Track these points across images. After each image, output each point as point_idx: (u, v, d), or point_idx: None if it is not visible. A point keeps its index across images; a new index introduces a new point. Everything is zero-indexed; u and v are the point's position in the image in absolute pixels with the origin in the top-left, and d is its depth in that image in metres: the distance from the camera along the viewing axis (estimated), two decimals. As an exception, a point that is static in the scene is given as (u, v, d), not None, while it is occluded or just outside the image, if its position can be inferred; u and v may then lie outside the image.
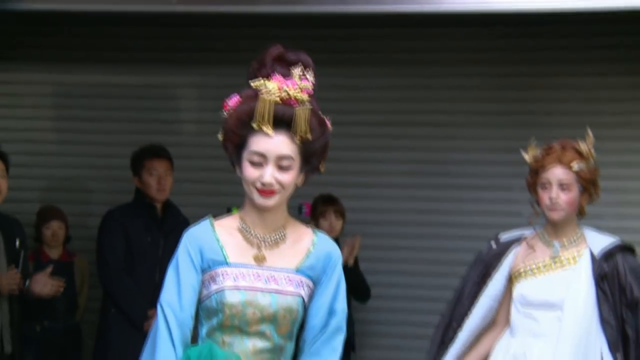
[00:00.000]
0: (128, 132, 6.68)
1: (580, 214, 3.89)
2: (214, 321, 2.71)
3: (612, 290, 3.77)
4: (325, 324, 2.77)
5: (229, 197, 6.38)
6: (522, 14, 5.70)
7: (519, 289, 3.84)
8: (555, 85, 6.39)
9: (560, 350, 3.74)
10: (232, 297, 2.68)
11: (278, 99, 2.66)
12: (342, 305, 2.79)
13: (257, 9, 5.72)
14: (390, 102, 6.57)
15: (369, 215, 6.37)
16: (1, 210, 4.97)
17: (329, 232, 5.87)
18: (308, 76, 2.71)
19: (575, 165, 3.78)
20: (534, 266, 3.85)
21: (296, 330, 2.78)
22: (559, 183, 3.78)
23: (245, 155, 2.69)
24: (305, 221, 5.97)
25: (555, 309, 3.78)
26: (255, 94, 2.70)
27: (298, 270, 2.75)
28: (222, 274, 2.70)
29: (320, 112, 2.76)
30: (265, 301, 2.69)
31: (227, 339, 2.72)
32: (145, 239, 5.38)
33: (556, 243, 3.85)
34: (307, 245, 2.78)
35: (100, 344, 5.51)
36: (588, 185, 3.82)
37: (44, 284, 4.95)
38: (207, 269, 2.71)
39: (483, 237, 6.15)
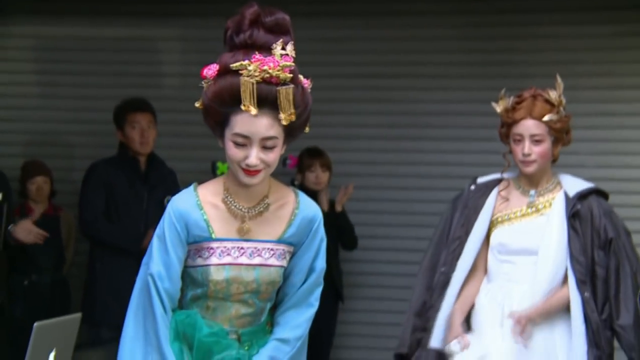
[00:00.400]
0: (111, 86, 6.67)
1: (553, 161, 3.93)
2: (199, 291, 2.77)
3: (584, 229, 3.82)
4: (305, 281, 2.84)
5: (213, 151, 6.38)
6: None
7: (496, 237, 3.89)
8: (534, 34, 6.39)
9: (535, 292, 3.81)
10: (217, 275, 2.72)
11: (260, 79, 2.59)
12: (321, 263, 2.84)
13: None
14: (370, 53, 6.57)
15: (351, 167, 6.40)
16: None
17: (315, 185, 5.93)
18: (289, 51, 2.65)
19: (547, 117, 3.81)
20: (511, 214, 3.90)
21: (275, 293, 2.85)
22: (531, 136, 3.82)
23: (229, 136, 2.64)
24: (290, 174, 6.06)
25: (533, 255, 3.86)
26: (228, 68, 2.63)
27: (280, 240, 2.79)
28: (208, 249, 2.72)
29: (301, 79, 2.71)
30: (249, 277, 2.74)
31: (212, 304, 2.78)
32: (128, 192, 5.42)
33: (532, 191, 3.90)
34: (290, 212, 2.80)
35: (87, 297, 5.55)
36: (560, 134, 3.86)
37: (28, 232, 4.97)
38: (193, 242, 2.73)
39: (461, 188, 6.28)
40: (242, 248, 2.73)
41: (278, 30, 2.69)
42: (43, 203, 6.01)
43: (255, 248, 2.75)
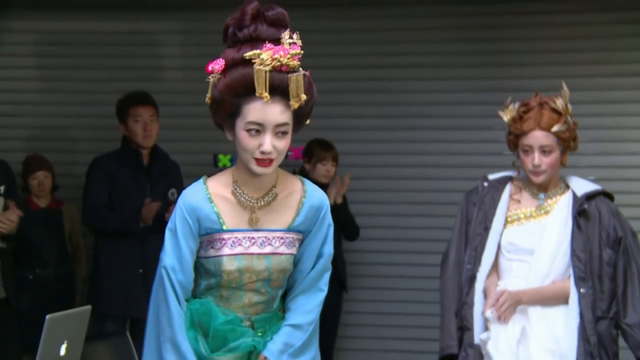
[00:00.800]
0: (113, 80, 6.69)
1: (562, 164, 3.98)
2: (212, 281, 2.84)
3: (591, 228, 3.88)
4: (313, 267, 2.91)
5: (215, 144, 6.48)
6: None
7: (506, 236, 3.95)
8: (529, 23, 6.42)
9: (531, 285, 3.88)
10: (230, 265, 2.79)
11: (271, 67, 2.67)
12: (329, 248, 2.92)
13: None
14: (365, 44, 6.60)
15: (354, 158, 6.43)
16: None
17: (325, 177, 5.98)
18: (296, 40, 2.73)
19: (555, 128, 3.85)
20: (520, 214, 3.96)
21: (286, 280, 2.93)
22: (540, 147, 3.87)
23: (242, 125, 2.71)
24: (290, 165, 6.09)
25: None
26: (244, 60, 2.70)
27: (290, 229, 2.86)
28: (220, 240, 2.79)
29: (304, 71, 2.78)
30: (260, 265, 2.81)
31: (225, 293, 2.85)
32: (131, 185, 5.45)
33: (542, 194, 3.96)
34: (297, 201, 2.87)
35: (92, 290, 5.60)
36: (568, 142, 3.91)
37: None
38: (205, 234, 2.80)
39: (466, 177, 6.33)
40: (252, 238, 2.80)
41: (279, 24, 2.77)
42: (45, 197, 6.04)
43: (266, 237, 2.82)
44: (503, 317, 3.81)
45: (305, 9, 6.40)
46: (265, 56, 2.66)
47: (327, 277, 2.93)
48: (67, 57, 6.84)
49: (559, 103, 3.89)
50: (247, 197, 2.80)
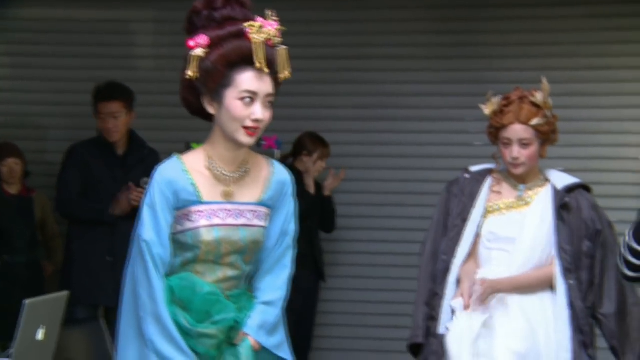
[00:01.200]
0: (86, 68, 6.67)
1: (541, 157, 4.03)
2: (189, 255, 2.88)
3: (573, 220, 3.94)
4: (278, 244, 3.00)
5: (188, 132, 6.44)
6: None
7: (487, 226, 4.00)
8: (503, 16, 6.48)
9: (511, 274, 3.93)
10: (208, 235, 2.85)
11: (264, 40, 2.80)
12: (293, 226, 3.03)
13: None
14: (341, 35, 6.62)
15: (331, 148, 6.43)
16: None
17: (317, 172, 6.06)
18: (275, 17, 2.85)
19: (534, 121, 3.91)
20: (501, 204, 4.01)
21: (257, 255, 2.99)
22: (519, 140, 3.92)
23: (234, 95, 2.81)
24: (266, 154, 6.11)
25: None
26: (236, 32, 2.80)
27: (260, 202, 2.94)
28: (196, 212, 2.85)
29: None
30: (236, 236, 2.89)
31: (200, 269, 2.90)
32: (105, 173, 5.45)
33: (521, 186, 4.01)
34: (266, 176, 2.97)
35: (64, 277, 5.59)
36: (547, 136, 3.96)
37: None
38: (181, 207, 2.85)
39: (438, 167, 6.39)
40: (228, 210, 2.88)
41: (246, 6, 2.91)
42: (16, 185, 6.01)
43: (239, 210, 2.90)
44: (478, 304, 3.86)
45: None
46: (257, 27, 2.78)
47: (291, 254, 3.03)
48: (40, 45, 6.81)
49: (539, 97, 3.94)
50: (222, 171, 2.88)
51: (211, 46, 2.80)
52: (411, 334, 4.03)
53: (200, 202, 2.84)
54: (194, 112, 2.95)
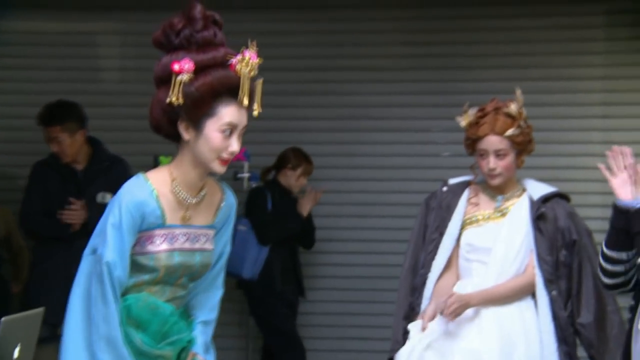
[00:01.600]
0: (50, 81, 6.61)
1: (518, 167, 4.06)
2: (146, 277, 2.86)
3: (549, 230, 3.97)
4: (215, 265, 3.02)
5: (155, 145, 6.34)
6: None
7: (465, 237, 4.03)
8: (472, 27, 6.53)
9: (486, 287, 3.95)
10: (169, 260, 2.85)
11: (249, 72, 2.79)
12: (229, 247, 3.06)
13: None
14: (311, 46, 6.63)
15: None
16: None
17: (298, 187, 6.10)
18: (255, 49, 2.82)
19: (509, 132, 3.94)
20: (479, 216, 4.04)
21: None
22: (495, 151, 3.96)
23: (216, 126, 2.79)
24: (233, 166, 6.10)
25: None
26: (220, 60, 2.78)
27: (211, 226, 2.96)
28: (159, 236, 2.83)
29: None
30: (193, 260, 2.90)
31: (154, 289, 2.89)
32: (62, 190, 5.37)
33: (499, 197, 4.04)
34: (218, 201, 2.98)
35: (25, 296, 5.53)
36: (522, 146, 3.99)
37: None
38: (144, 229, 2.83)
39: (405, 178, 6.41)
40: (186, 234, 2.88)
41: (221, 28, 2.89)
42: (-23, 199, 5.93)
43: (196, 233, 2.90)
44: (450, 319, 3.87)
45: (252, 11, 6.41)
46: (246, 61, 2.77)
47: (223, 275, 3.06)
48: (4, 57, 6.73)
49: (513, 108, 3.98)
50: (184, 196, 2.86)
51: (196, 72, 2.76)
52: (391, 347, 4.05)
53: (164, 226, 2.83)
54: (161, 133, 2.92)
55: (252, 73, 2.79)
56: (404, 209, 6.35)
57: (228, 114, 2.78)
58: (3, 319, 3.02)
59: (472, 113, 4.01)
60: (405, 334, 4.00)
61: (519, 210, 4.01)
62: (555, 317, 3.89)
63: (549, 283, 3.91)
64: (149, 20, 6.62)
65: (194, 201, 2.87)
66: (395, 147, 6.55)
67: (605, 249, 3.13)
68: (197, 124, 2.79)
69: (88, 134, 5.50)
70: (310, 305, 6.43)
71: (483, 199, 4.06)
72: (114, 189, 5.08)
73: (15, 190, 6.17)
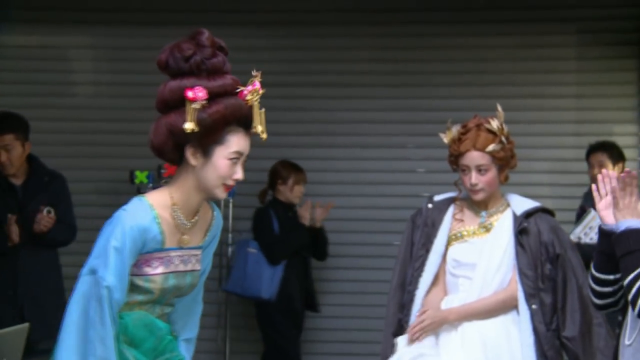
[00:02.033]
0: (23, 95, 6.58)
1: (502, 183, 4.10)
2: (140, 297, 2.87)
3: (532, 245, 3.99)
4: (198, 282, 3.05)
5: (131, 160, 6.43)
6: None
7: (451, 253, 4.06)
8: (442, 45, 6.61)
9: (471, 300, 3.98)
10: (165, 283, 2.87)
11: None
12: (210, 265, 3.10)
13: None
14: (281, 63, 6.65)
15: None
16: None
17: (297, 198, 6.11)
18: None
19: (490, 147, 3.98)
20: (464, 232, 4.07)
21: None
22: (477, 167, 3.99)
23: (225, 154, 2.82)
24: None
25: None
26: (230, 89, 2.82)
27: (201, 246, 2.98)
28: (157, 259, 2.85)
29: None
30: (184, 281, 2.93)
31: (145, 307, 2.90)
32: (4, 203, 5.31)
33: (483, 212, 4.08)
34: (209, 221, 3.00)
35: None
36: (504, 161, 4.03)
37: None
38: (144, 253, 2.84)
39: (381, 194, 6.44)
40: (180, 256, 2.91)
41: (227, 55, 2.93)
42: None
43: (188, 255, 2.93)
44: (417, 337, 3.91)
45: (224, 26, 6.41)
46: (256, 92, 2.86)
47: (202, 291, 3.10)
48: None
49: (494, 124, 4.02)
50: (182, 221, 2.89)
51: (209, 100, 2.79)
52: None
53: (162, 250, 2.85)
54: (163, 157, 2.91)
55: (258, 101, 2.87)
56: (377, 225, 6.41)
57: (236, 142, 2.82)
58: (-12, 334, 3.01)
59: (454, 129, 4.05)
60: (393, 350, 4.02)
61: (502, 225, 4.05)
62: (535, 331, 3.92)
63: (530, 297, 3.94)
64: (122, 35, 6.72)
65: (189, 225, 2.89)
66: (369, 163, 6.60)
67: (594, 271, 3.16)
68: (206, 150, 2.82)
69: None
70: (317, 320, 6.44)
71: (468, 214, 4.10)
72: (54, 203, 5.18)
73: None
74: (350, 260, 6.49)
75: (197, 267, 2.95)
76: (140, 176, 6.17)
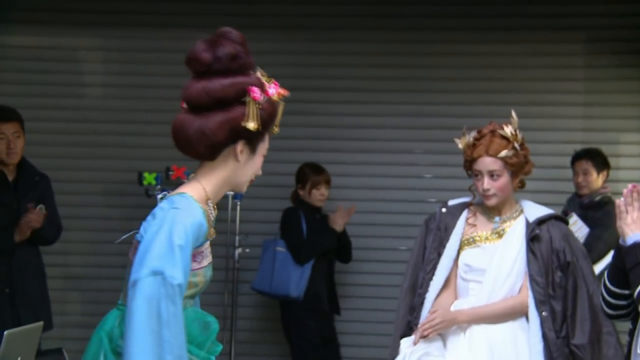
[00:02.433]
0: (32, 95, 6.59)
1: (520, 187, 4.13)
2: (188, 292, 2.84)
3: (544, 252, 4.02)
4: None
5: (137, 161, 6.46)
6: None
7: (463, 258, 4.09)
8: (456, 52, 6.63)
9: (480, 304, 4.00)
10: (206, 274, 2.90)
11: None
12: None
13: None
14: (289, 67, 6.67)
15: (276, 178, 6.45)
16: None
17: (320, 201, 6.14)
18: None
19: (502, 153, 4.01)
20: (476, 237, 4.10)
21: None
22: (489, 172, 4.03)
23: (262, 150, 2.88)
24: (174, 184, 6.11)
25: None
26: (264, 89, 2.85)
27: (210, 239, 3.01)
28: (200, 253, 2.86)
29: None
30: (210, 273, 2.95)
31: (190, 302, 2.90)
32: (1, 201, 5.32)
33: (497, 218, 4.10)
34: (214, 214, 3.01)
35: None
36: (517, 167, 4.05)
37: None
38: (194, 248, 2.84)
39: (388, 199, 6.46)
40: (207, 248, 2.92)
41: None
42: None
43: (209, 247, 2.95)
44: (427, 334, 3.93)
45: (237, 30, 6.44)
46: (284, 94, 2.92)
47: None
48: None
49: (508, 130, 4.04)
50: (213, 214, 2.92)
51: (266, 98, 2.85)
52: None
53: (203, 243, 2.87)
54: (213, 155, 2.87)
55: None
56: (383, 230, 6.43)
57: (268, 139, 2.89)
58: (6, 332, 3.03)
59: (469, 135, 4.08)
60: None
61: (515, 231, 4.07)
62: (545, 338, 3.94)
63: (540, 304, 3.96)
64: (132, 37, 6.73)
65: (214, 218, 2.93)
66: (375, 168, 6.63)
67: (607, 283, 3.18)
68: (255, 147, 2.87)
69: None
70: (342, 325, 6.44)
71: (481, 220, 4.13)
72: (42, 202, 5.19)
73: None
74: (357, 265, 6.49)
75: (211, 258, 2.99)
76: (149, 177, 6.19)
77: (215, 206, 2.92)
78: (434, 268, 4.09)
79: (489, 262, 4.02)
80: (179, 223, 2.74)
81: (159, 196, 2.93)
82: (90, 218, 6.56)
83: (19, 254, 5.19)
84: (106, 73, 6.86)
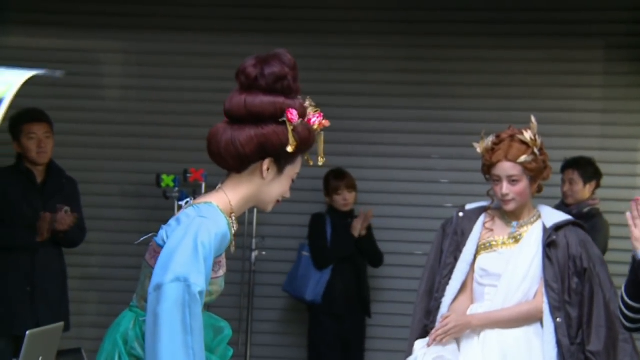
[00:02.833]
0: (52, 97, 6.62)
1: (538, 192, 4.13)
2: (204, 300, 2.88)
3: (560, 258, 4.03)
4: None
5: (155, 163, 6.49)
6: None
7: (479, 262, 4.10)
8: (474, 57, 6.66)
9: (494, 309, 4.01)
10: (222, 283, 2.92)
11: None
12: None
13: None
14: (307, 71, 6.62)
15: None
16: None
17: (344, 205, 6.18)
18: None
19: (521, 159, 4.02)
20: (493, 242, 4.10)
21: None
22: (508, 177, 4.03)
23: (291, 173, 2.88)
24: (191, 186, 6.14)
25: None
26: (305, 115, 2.87)
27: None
28: (218, 263, 2.88)
29: None
30: (224, 282, 2.98)
31: (204, 310, 2.92)
32: (23, 202, 5.34)
33: (514, 223, 4.11)
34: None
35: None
36: (536, 172, 4.05)
37: None
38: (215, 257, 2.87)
39: (405, 204, 6.48)
40: (224, 258, 2.93)
41: None
42: None
43: (224, 258, 2.95)
44: (440, 340, 3.94)
45: (248, 34, 6.48)
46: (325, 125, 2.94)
47: None
48: None
49: (527, 135, 4.04)
50: (235, 226, 2.92)
51: (300, 121, 2.85)
52: None
53: (222, 253, 2.90)
54: (241, 167, 2.89)
55: None
56: (399, 234, 6.45)
57: (299, 164, 2.89)
58: (28, 332, 3.06)
59: (488, 140, 4.09)
60: None
61: (531, 236, 4.08)
62: (559, 344, 3.94)
63: (555, 310, 3.97)
64: (152, 40, 6.76)
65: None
66: (392, 172, 6.65)
67: (625, 296, 3.18)
68: (282, 168, 2.87)
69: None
70: (374, 329, 6.47)
71: (498, 224, 4.13)
72: (69, 205, 5.23)
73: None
74: (373, 269, 6.50)
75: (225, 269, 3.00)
76: (167, 180, 6.22)
77: (237, 219, 2.92)
78: (451, 272, 4.10)
79: (505, 267, 4.03)
80: (205, 231, 2.75)
81: (183, 202, 2.93)
82: (108, 219, 6.60)
83: (43, 254, 5.24)
84: (125, 75, 6.91)
